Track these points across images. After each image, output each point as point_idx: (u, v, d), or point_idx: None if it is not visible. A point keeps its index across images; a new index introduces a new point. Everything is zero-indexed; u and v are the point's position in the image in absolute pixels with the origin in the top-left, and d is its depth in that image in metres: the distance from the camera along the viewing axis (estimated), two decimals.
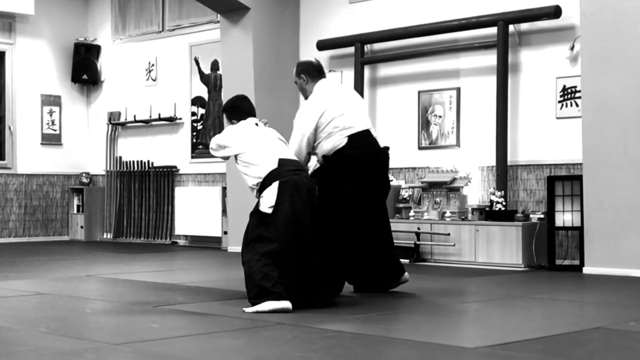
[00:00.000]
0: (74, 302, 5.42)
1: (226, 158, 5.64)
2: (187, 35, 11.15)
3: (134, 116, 11.67)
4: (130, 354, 3.72)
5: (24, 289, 6.05)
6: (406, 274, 5.90)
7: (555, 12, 7.99)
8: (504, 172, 8.25)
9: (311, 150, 5.73)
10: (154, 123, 11.54)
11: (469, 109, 8.73)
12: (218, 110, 10.73)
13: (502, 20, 8.26)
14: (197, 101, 11.06)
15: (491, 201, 8.08)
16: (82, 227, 11.96)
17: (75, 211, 12.12)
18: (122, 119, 11.89)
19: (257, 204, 5.25)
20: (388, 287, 5.90)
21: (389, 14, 9.31)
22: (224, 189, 10.33)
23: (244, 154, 5.38)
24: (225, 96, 10.04)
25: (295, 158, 5.45)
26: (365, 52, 9.41)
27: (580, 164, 7.61)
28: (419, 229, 8.32)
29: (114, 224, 11.83)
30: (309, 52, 9.96)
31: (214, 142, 5.60)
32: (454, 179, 8.35)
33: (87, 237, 11.94)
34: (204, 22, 10.93)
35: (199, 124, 11.04)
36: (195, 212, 10.71)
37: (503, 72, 8.25)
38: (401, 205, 8.72)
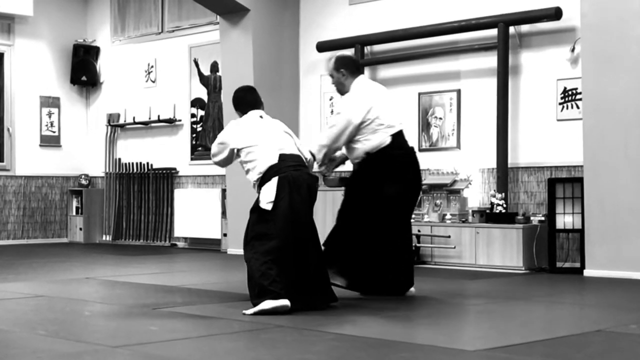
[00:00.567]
0: (73, 305, 5.42)
1: (227, 161, 5.56)
2: (187, 37, 11.14)
3: (133, 118, 11.65)
4: (129, 356, 3.71)
5: (23, 291, 6.04)
6: (413, 289, 5.85)
7: (555, 13, 7.97)
8: (504, 174, 8.23)
9: (346, 144, 5.70)
10: (153, 125, 11.52)
11: (470, 111, 8.72)
12: (218, 112, 10.71)
13: (503, 22, 8.25)
14: (196, 103, 11.05)
15: (492, 203, 8.07)
16: (81, 229, 11.94)
17: (74, 213, 12.10)
18: (122, 121, 11.88)
19: (257, 200, 5.23)
20: (396, 294, 5.82)
21: (389, 15, 9.29)
22: (224, 190, 10.32)
23: (244, 149, 5.34)
24: (225, 98, 10.03)
25: (297, 152, 5.39)
26: (365, 54, 9.39)
27: (581, 166, 7.60)
28: (419, 231, 8.30)
29: (113, 226, 11.81)
30: (308, 54, 9.96)
31: (214, 146, 5.56)
32: (455, 181, 8.33)
33: (86, 239, 11.92)
34: (204, 24, 10.92)
35: (198, 125, 11.03)
36: (195, 214, 10.70)
37: (503, 74, 8.24)
38: None
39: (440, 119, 8.89)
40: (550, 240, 7.73)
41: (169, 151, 11.37)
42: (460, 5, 8.76)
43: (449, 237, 8.10)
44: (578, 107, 7.91)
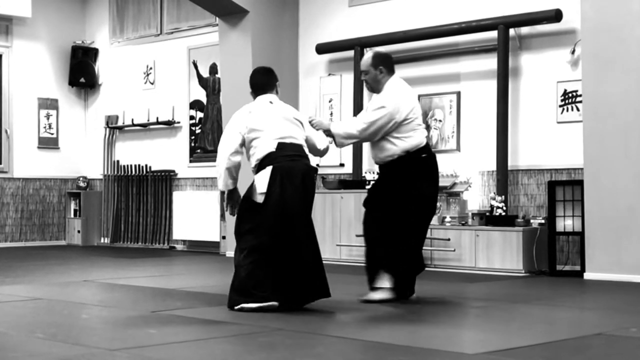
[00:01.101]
0: (71, 308, 5.40)
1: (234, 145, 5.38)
2: (186, 39, 11.12)
3: (132, 120, 11.63)
4: (127, 359, 3.68)
5: (21, 294, 6.03)
6: (415, 295, 5.83)
7: (556, 15, 7.96)
8: (504, 177, 8.21)
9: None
10: (152, 127, 11.51)
11: (469, 113, 8.70)
12: (217, 114, 10.69)
13: (503, 24, 8.23)
14: (195, 105, 11.03)
15: (491, 206, 8.05)
16: (79, 231, 11.92)
17: (72, 215, 12.07)
18: (120, 123, 11.86)
19: (250, 187, 5.21)
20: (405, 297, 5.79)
21: (389, 17, 9.28)
22: (223, 193, 10.26)
23: (248, 135, 5.29)
24: (224, 100, 10.01)
25: (299, 142, 5.31)
26: None
27: (581, 168, 7.58)
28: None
29: (112, 228, 11.79)
30: (308, 56, 9.95)
31: (224, 137, 5.43)
32: (454, 184, 8.31)
33: (84, 241, 11.89)
34: (203, 25, 10.91)
35: (197, 127, 11.01)
36: (194, 216, 10.68)
37: (503, 76, 8.22)
38: None
39: (440, 121, 8.87)
40: (551, 243, 7.71)
41: (167, 153, 11.35)
42: (461, 7, 8.75)
43: (449, 239, 8.08)
44: (578, 110, 7.89)
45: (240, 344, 4.16)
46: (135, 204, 11.60)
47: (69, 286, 6.69)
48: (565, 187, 7.73)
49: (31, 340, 4.15)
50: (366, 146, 9.37)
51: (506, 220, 7.90)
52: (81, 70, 12.06)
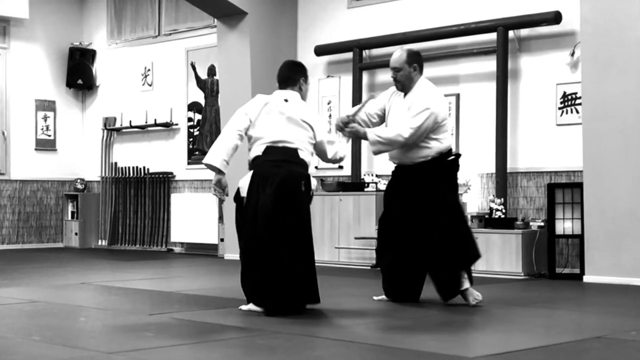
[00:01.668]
0: (68, 311, 5.39)
1: (239, 124, 5.26)
2: (184, 40, 11.10)
3: (130, 122, 11.61)
4: None
5: (18, 297, 6.00)
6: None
7: (555, 17, 7.95)
8: (503, 179, 8.19)
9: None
10: (149, 129, 11.48)
11: (469, 115, 8.68)
12: (215, 116, 10.67)
13: (502, 26, 8.22)
14: (193, 107, 11.01)
15: (491, 208, 8.03)
16: (76, 234, 11.89)
17: (69, 218, 12.04)
18: (118, 125, 11.84)
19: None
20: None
21: (388, 19, 9.26)
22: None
23: (250, 127, 5.23)
24: (222, 101, 9.99)
25: (294, 146, 5.17)
26: (363, 58, 9.37)
27: (581, 171, 7.56)
28: None
29: (109, 230, 11.76)
30: (306, 58, 9.92)
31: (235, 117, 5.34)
32: None
33: (81, 244, 11.87)
34: (201, 27, 10.89)
35: (195, 129, 10.99)
36: (192, 219, 10.65)
37: (503, 78, 8.21)
38: None
39: None
40: (550, 245, 7.69)
41: (165, 155, 11.33)
42: (460, 9, 8.73)
43: None
44: (578, 112, 7.88)
45: (239, 346, 4.15)
46: (133, 206, 11.58)
47: (66, 289, 6.67)
48: (564, 190, 7.71)
49: (28, 343, 4.13)
50: (365, 148, 9.34)
51: (505, 223, 7.88)
52: (79, 71, 12.04)
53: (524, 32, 8.31)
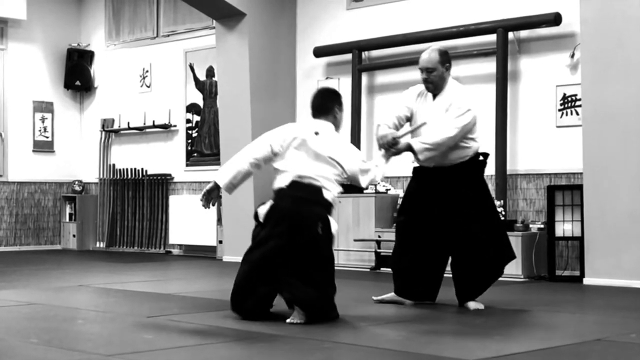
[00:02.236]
0: (66, 313, 5.37)
1: (258, 152, 5.18)
2: (182, 41, 11.09)
3: (128, 123, 11.58)
4: None
5: (15, 299, 5.98)
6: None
7: (555, 19, 7.93)
8: (503, 181, 8.17)
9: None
10: (148, 130, 11.46)
11: None
12: (213, 118, 10.65)
13: (502, 28, 8.20)
14: (192, 108, 10.99)
15: None
16: (74, 236, 11.87)
17: (67, 220, 12.02)
18: (116, 126, 11.81)
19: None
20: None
21: (387, 20, 9.25)
22: (219, 197, 10.21)
23: (276, 158, 5.13)
24: (221, 103, 9.96)
25: (318, 184, 4.98)
26: (362, 59, 9.35)
27: (581, 173, 7.54)
28: None
29: (107, 232, 11.73)
30: (305, 59, 9.91)
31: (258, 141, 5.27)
32: None
33: (79, 246, 11.84)
34: (199, 28, 10.87)
35: (194, 131, 10.97)
36: (190, 221, 10.63)
37: (502, 80, 8.19)
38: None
39: None
40: (550, 248, 7.67)
41: (164, 157, 11.31)
42: (459, 10, 8.72)
43: None
44: (578, 114, 7.86)
45: (238, 349, 4.14)
46: (131, 208, 11.55)
47: (64, 291, 6.65)
48: (564, 192, 7.69)
49: (26, 346, 4.11)
50: (364, 150, 9.32)
51: (505, 225, 7.84)
52: (77, 73, 12.01)
53: (524, 33, 8.30)
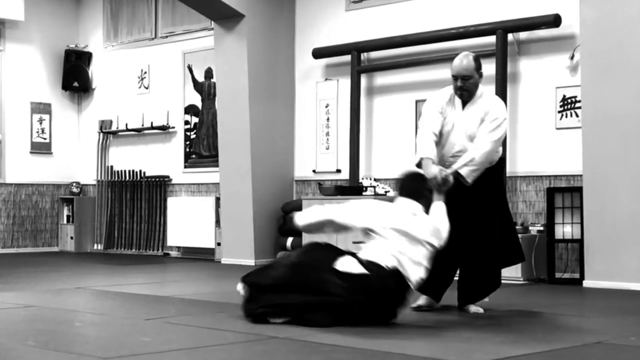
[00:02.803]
0: (63, 315, 5.35)
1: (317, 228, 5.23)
2: (181, 43, 11.06)
3: (126, 125, 11.56)
4: None
5: (12, 302, 5.96)
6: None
7: (554, 20, 7.91)
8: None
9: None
10: (146, 132, 11.44)
11: None
12: (212, 119, 10.62)
13: (501, 29, 8.18)
14: (190, 109, 10.97)
15: None
16: (72, 238, 11.84)
17: (65, 222, 11.99)
18: (114, 128, 11.79)
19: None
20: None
21: (386, 22, 9.23)
22: (218, 199, 10.23)
23: (366, 230, 5.06)
24: (219, 105, 9.93)
25: (384, 265, 4.88)
26: (361, 61, 9.33)
27: (581, 175, 7.52)
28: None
29: (105, 234, 11.71)
30: (304, 60, 9.89)
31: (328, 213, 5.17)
32: None
33: (77, 248, 11.82)
34: (198, 29, 10.85)
35: (192, 133, 10.94)
36: (188, 222, 10.61)
37: (502, 81, 8.17)
38: None
39: None
40: (549, 250, 7.66)
41: (162, 159, 11.28)
42: (459, 12, 8.70)
43: None
44: (577, 116, 7.84)
45: (237, 352, 4.12)
46: (129, 210, 11.53)
47: (61, 293, 6.63)
48: (564, 194, 7.68)
49: (23, 348, 4.09)
50: (363, 151, 9.31)
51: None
52: (75, 74, 11.99)
53: (524, 35, 8.28)
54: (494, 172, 5.59)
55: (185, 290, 6.95)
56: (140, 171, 11.47)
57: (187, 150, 11.01)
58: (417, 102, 8.98)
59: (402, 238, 4.94)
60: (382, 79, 9.33)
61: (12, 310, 5.56)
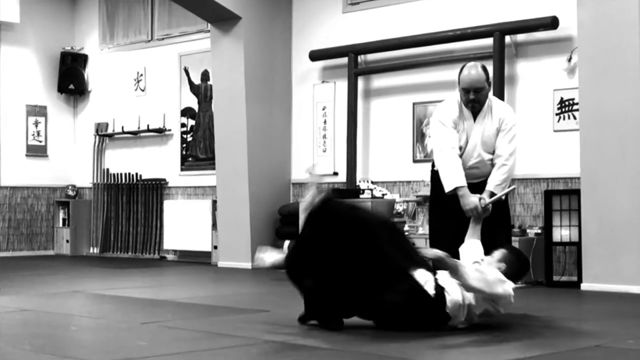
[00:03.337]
0: (59, 319, 5.33)
1: None
2: (177, 45, 11.04)
3: (122, 127, 11.54)
4: None
5: (8, 305, 5.94)
6: None
7: (552, 22, 7.91)
8: None
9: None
10: (142, 134, 11.41)
11: None
12: (208, 122, 10.60)
13: (499, 31, 8.18)
14: (187, 112, 10.95)
15: None
16: (67, 241, 11.81)
17: (60, 225, 11.96)
18: (110, 130, 11.77)
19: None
20: None
21: (383, 24, 9.22)
22: (214, 202, 10.21)
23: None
24: (216, 107, 9.92)
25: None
26: (358, 63, 9.31)
27: (578, 178, 7.51)
28: (413, 244, 8.16)
29: (101, 238, 11.68)
30: (301, 63, 9.88)
31: None
32: None
33: (73, 251, 11.79)
34: (194, 32, 10.83)
35: (188, 135, 10.92)
36: (185, 226, 10.59)
37: (499, 83, 8.15)
38: (395, 219, 8.60)
39: None
40: (547, 253, 7.65)
41: (158, 161, 11.26)
42: (456, 14, 8.69)
43: None
44: (575, 118, 7.83)
45: (233, 356, 4.09)
46: (125, 213, 11.50)
47: (57, 297, 6.62)
48: (562, 197, 7.67)
49: (19, 352, 4.08)
50: (360, 154, 9.30)
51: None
52: (70, 76, 11.97)
53: (521, 37, 8.27)
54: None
55: (181, 293, 6.94)
56: (137, 174, 11.45)
57: (184, 153, 10.98)
58: (414, 104, 8.98)
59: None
60: (379, 81, 9.31)
61: (7, 314, 5.53)
